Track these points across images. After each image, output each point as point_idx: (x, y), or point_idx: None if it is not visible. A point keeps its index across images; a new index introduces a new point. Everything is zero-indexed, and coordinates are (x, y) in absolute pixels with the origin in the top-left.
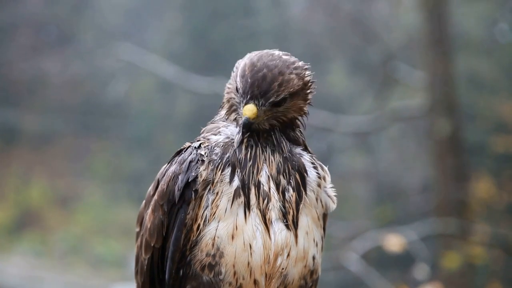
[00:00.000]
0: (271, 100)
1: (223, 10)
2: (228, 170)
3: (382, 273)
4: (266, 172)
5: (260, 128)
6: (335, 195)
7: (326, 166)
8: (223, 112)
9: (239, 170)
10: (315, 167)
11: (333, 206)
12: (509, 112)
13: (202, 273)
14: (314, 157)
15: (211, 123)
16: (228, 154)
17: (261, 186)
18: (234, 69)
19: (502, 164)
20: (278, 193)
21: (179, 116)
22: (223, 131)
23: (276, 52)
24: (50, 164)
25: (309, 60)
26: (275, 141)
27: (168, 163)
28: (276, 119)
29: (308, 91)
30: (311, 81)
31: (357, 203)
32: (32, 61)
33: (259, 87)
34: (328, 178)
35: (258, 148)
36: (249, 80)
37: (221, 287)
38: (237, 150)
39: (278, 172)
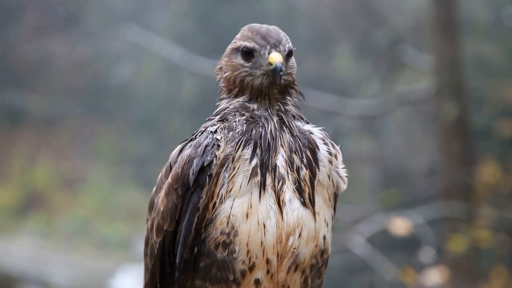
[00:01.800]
0: (287, 46)
1: None
2: (249, 148)
3: (388, 256)
4: (282, 155)
5: (280, 84)
6: (346, 176)
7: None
8: (226, 97)
9: (259, 150)
10: (325, 144)
11: (343, 186)
12: None
13: (216, 251)
14: (325, 134)
15: (217, 113)
16: (251, 133)
17: (278, 168)
18: (227, 49)
19: (508, 148)
20: (293, 172)
21: (185, 98)
22: (241, 109)
23: None
24: (56, 146)
25: (316, 43)
26: (284, 117)
27: (180, 147)
28: (286, 75)
29: (294, 62)
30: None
31: (363, 186)
32: (38, 42)
33: (272, 37)
34: (340, 157)
35: (273, 123)
36: (260, 34)
37: (234, 265)
38: (263, 120)
39: (291, 151)
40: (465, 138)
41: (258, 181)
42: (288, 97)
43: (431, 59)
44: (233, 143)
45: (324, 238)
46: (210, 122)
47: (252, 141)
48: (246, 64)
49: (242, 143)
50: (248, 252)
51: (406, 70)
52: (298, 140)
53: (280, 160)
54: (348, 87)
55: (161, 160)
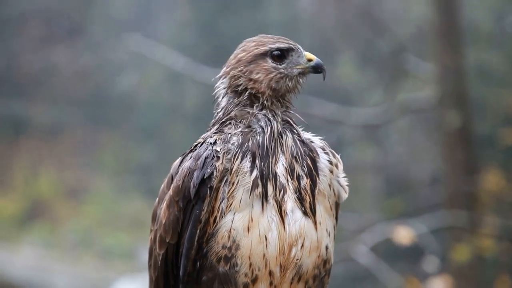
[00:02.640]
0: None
1: (232, 2)
2: (247, 160)
3: (392, 265)
4: (283, 163)
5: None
6: (347, 185)
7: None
8: (229, 102)
9: (258, 160)
10: (326, 153)
11: (345, 195)
12: None
13: (218, 264)
14: (325, 143)
15: (217, 122)
16: (247, 143)
17: (278, 177)
18: (234, 61)
19: None
20: (293, 180)
21: (188, 107)
22: (244, 121)
23: None
24: (59, 156)
25: (319, 52)
26: (289, 120)
27: (181, 158)
28: (291, 81)
29: None
30: None
31: (367, 195)
32: (42, 52)
33: (291, 40)
34: (341, 166)
35: (276, 123)
36: (281, 38)
37: (236, 278)
38: (263, 123)
39: (292, 156)
40: (468, 146)
41: (259, 192)
42: (289, 104)
43: (434, 67)
44: (230, 155)
45: (327, 248)
46: (209, 133)
47: (250, 152)
48: (279, 66)
49: (240, 156)
50: (250, 265)
51: (409, 78)
52: (300, 146)
53: (280, 169)
54: (351, 95)
55: (164, 169)
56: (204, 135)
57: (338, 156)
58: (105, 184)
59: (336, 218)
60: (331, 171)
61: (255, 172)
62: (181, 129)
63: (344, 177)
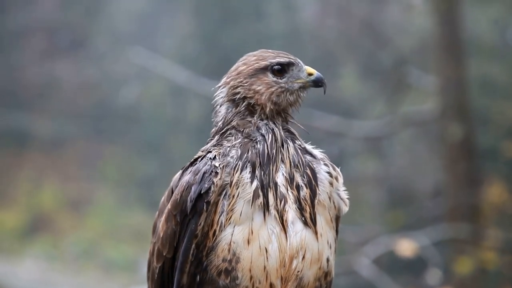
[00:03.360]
0: None
1: (234, 15)
2: (247, 171)
3: (394, 278)
4: (283, 172)
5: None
6: (347, 198)
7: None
8: (228, 112)
9: (258, 170)
10: (326, 165)
11: (345, 208)
12: None
13: (219, 278)
14: (325, 155)
15: (215, 135)
16: (247, 154)
17: (278, 187)
18: (234, 73)
19: None
20: (293, 190)
21: (190, 120)
22: (245, 131)
23: None
24: (62, 168)
25: (321, 64)
26: (290, 130)
27: (182, 172)
28: (291, 95)
29: None
30: None
31: (369, 207)
32: (44, 65)
33: (291, 54)
34: (341, 179)
35: (278, 131)
36: (281, 53)
37: None
38: (264, 131)
39: (292, 165)
40: (471, 159)
41: (261, 202)
42: (290, 118)
43: (436, 80)
44: (229, 168)
45: (328, 260)
46: (209, 145)
47: (249, 163)
48: (280, 81)
49: (239, 167)
50: (251, 278)
51: (411, 91)
52: (301, 155)
53: (280, 178)
54: (353, 108)
55: (167, 181)
56: (204, 147)
57: (338, 170)
58: (108, 197)
59: (337, 231)
60: (331, 184)
61: (255, 183)
62: (184, 142)
63: (345, 190)
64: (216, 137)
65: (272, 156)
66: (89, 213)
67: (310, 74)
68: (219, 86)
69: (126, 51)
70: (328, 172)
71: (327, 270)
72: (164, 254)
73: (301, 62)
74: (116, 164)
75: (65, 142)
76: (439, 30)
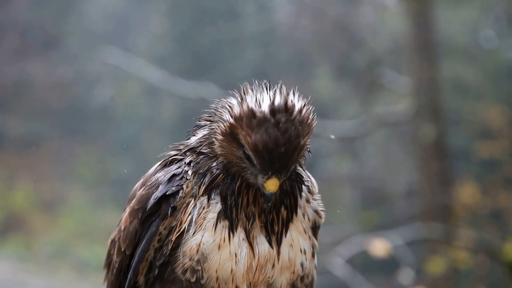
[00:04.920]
0: (291, 169)
1: (209, 15)
2: (217, 194)
3: (367, 277)
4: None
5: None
6: (322, 210)
7: (311, 173)
8: (205, 138)
9: (228, 198)
10: (307, 186)
11: (320, 221)
12: (494, 117)
13: (183, 276)
14: (308, 175)
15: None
16: (220, 186)
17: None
18: (236, 107)
19: (487, 169)
20: (264, 212)
21: (165, 120)
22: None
23: (294, 108)
24: (35, 168)
25: (295, 65)
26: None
27: (161, 167)
28: (291, 175)
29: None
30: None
31: (343, 207)
32: (17, 64)
33: (280, 162)
34: (316, 190)
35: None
36: (268, 153)
37: None
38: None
39: (262, 212)
40: (443, 159)
41: (227, 224)
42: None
43: (409, 81)
44: (200, 184)
45: (302, 264)
46: (186, 148)
47: (220, 191)
48: (246, 161)
49: (209, 189)
50: (217, 279)
51: (385, 91)
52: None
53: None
54: (327, 108)
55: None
56: (184, 145)
57: (314, 182)
58: (81, 197)
59: (316, 238)
60: (307, 201)
61: (219, 205)
62: (158, 141)
63: (318, 200)
64: (195, 141)
65: (244, 194)
66: (62, 213)
67: (264, 188)
68: (216, 108)
69: (99, 51)
70: (308, 190)
71: (302, 273)
72: (123, 249)
73: (267, 174)
74: (90, 164)
75: (37, 142)
76: (412, 31)
